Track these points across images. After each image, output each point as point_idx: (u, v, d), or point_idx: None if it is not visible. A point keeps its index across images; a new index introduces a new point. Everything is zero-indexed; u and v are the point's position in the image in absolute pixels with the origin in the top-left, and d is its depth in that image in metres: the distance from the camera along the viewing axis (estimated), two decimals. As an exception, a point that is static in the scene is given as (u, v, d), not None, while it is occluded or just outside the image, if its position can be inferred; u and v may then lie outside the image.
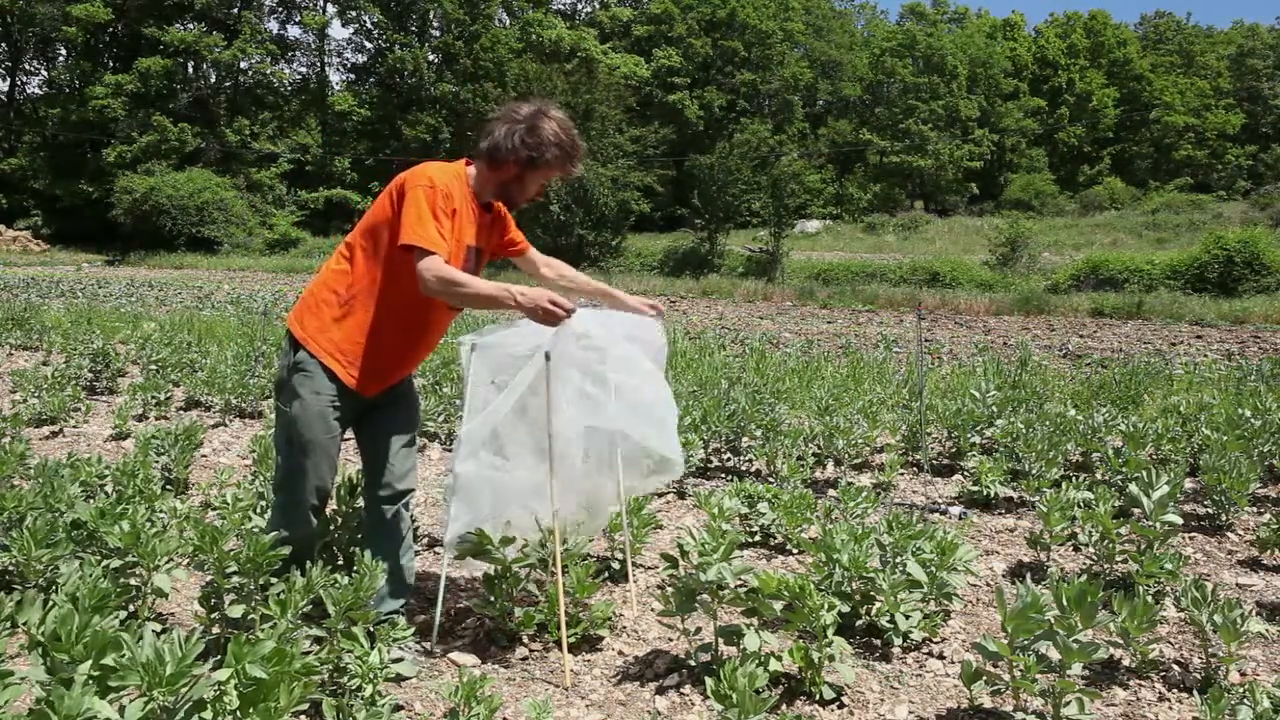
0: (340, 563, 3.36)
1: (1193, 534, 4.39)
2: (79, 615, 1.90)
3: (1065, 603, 2.47)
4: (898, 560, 3.25)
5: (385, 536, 2.99)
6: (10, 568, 3.10)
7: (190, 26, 48.57)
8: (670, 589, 2.93)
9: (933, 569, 3.18)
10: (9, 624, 2.22)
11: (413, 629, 2.83)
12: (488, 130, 2.94)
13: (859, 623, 3.17)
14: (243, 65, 50.01)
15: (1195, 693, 2.79)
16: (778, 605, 2.79)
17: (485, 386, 3.10)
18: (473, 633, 3.26)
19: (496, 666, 3.01)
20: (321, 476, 2.92)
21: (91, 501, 3.49)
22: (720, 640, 2.90)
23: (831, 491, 4.81)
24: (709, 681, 2.41)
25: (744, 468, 5.72)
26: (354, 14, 52.40)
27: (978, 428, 5.84)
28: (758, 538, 4.24)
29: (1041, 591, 2.55)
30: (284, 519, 2.94)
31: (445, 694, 2.50)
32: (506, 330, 3.12)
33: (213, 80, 50.87)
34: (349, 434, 3.09)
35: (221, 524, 2.87)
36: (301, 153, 49.88)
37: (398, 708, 2.63)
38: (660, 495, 5.05)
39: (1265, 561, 4.00)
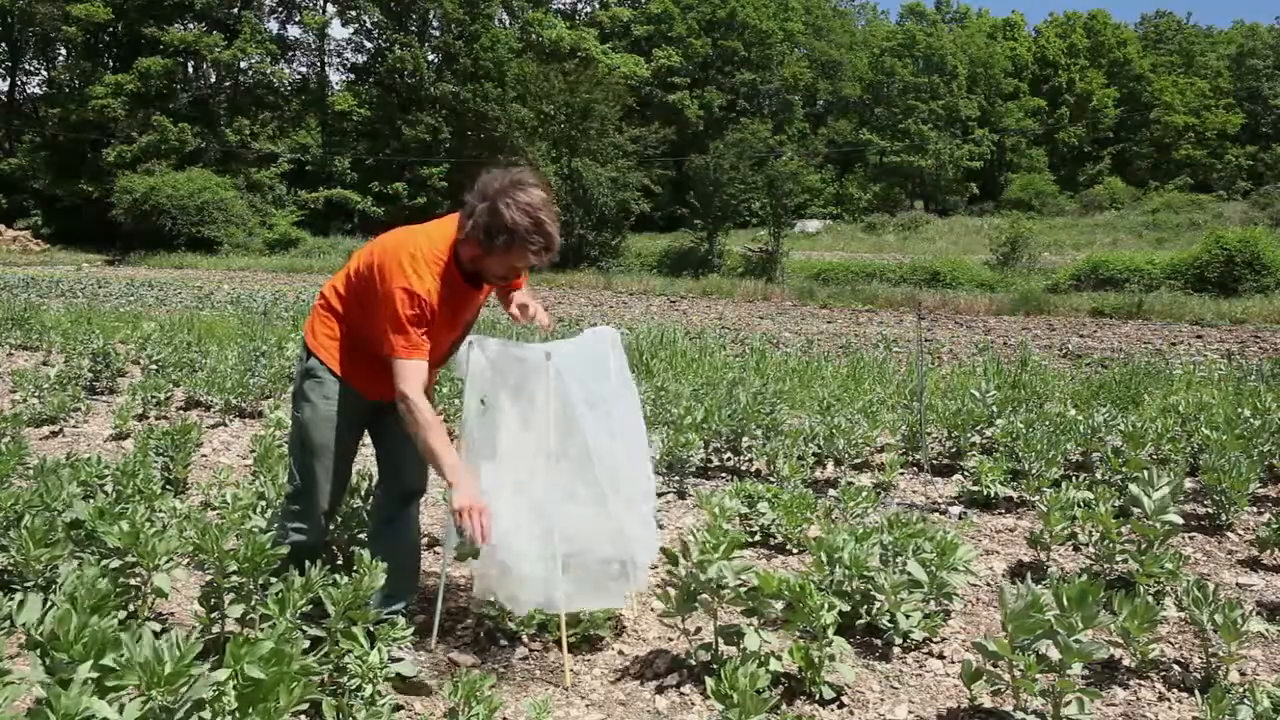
0: (340, 562, 3.35)
1: (1193, 534, 4.39)
2: (77, 615, 1.90)
3: (1066, 603, 2.47)
4: (898, 560, 3.25)
5: (393, 537, 2.99)
6: (9, 567, 3.10)
7: (190, 26, 48.53)
8: (671, 588, 2.93)
9: (933, 569, 3.18)
10: (8, 624, 2.22)
11: (412, 629, 2.82)
12: (466, 200, 2.73)
13: (859, 622, 3.16)
14: (243, 65, 49.93)
15: (1195, 692, 2.79)
16: (778, 605, 2.78)
17: (480, 396, 3.07)
18: (472, 632, 3.26)
19: (496, 666, 3.01)
20: (333, 481, 2.93)
21: (91, 501, 3.49)
22: (720, 640, 2.90)
23: (832, 491, 4.81)
24: (709, 681, 2.41)
25: (744, 467, 5.71)
26: (354, 14, 52.34)
27: (978, 427, 5.84)
28: (758, 537, 4.23)
29: (1042, 591, 2.54)
30: (294, 522, 2.95)
31: (445, 694, 2.49)
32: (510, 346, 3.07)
33: (213, 80, 50.81)
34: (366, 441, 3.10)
35: (221, 524, 2.87)
36: (301, 152, 49.84)
37: (397, 707, 2.63)
38: (659, 495, 5.04)
39: (1265, 561, 4.00)
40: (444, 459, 2.68)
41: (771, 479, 5.22)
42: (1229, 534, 4.37)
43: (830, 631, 2.72)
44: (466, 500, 2.66)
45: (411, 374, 2.67)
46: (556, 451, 2.96)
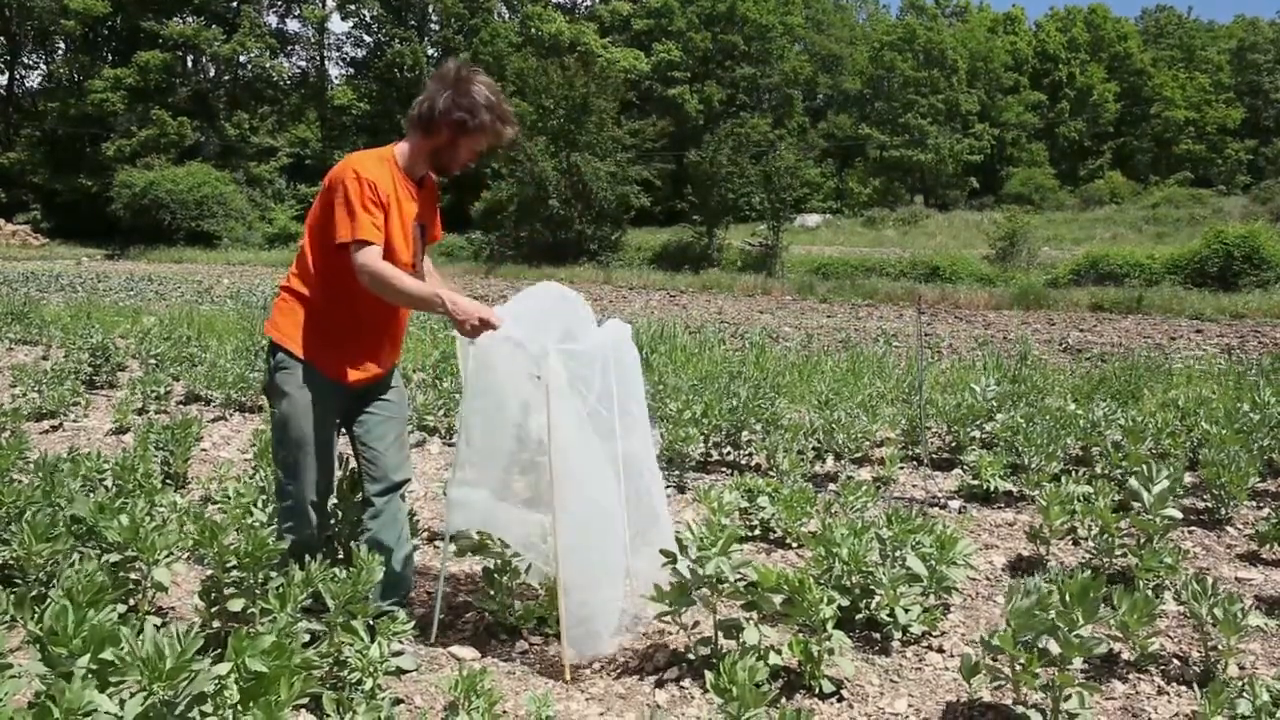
0: (340, 556, 3.35)
1: (1192, 528, 4.39)
2: (76, 610, 1.90)
3: (1067, 598, 2.47)
4: (897, 554, 3.25)
5: (382, 529, 2.99)
6: (11, 562, 3.10)
7: (189, 20, 48.45)
8: (669, 583, 2.93)
9: (932, 563, 3.18)
10: (8, 619, 2.22)
11: (412, 623, 2.83)
12: (420, 97, 2.89)
13: (858, 616, 3.17)
14: (242, 59, 49.86)
15: (1194, 686, 2.80)
16: (777, 599, 2.79)
17: (485, 378, 3.04)
18: (473, 627, 3.27)
19: (496, 660, 3.01)
20: (319, 472, 2.93)
21: (91, 496, 3.49)
22: (720, 634, 2.90)
23: (831, 486, 4.81)
24: (709, 675, 2.41)
25: (744, 461, 5.72)
26: (353, 8, 52.25)
27: (977, 422, 5.84)
28: (757, 532, 4.24)
29: (1047, 587, 2.55)
30: (288, 519, 2.95)
31: (445, 687, 2.50)
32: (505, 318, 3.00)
33: (212, 74, 50.74)
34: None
35: (221, 518, 2.87)
36: (301, 147, 49.76)
37: (398, 701, 2.63)
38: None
39: (1264, 556, 4.00)
40: (427, 295, 2.78)
41: (771, 473, 5.22)
42: (1228, 528, 4.38)
43: (829, 625, 2.72)
44: (464, 311, 2.76)
45: (370, 258, 2.71)
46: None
